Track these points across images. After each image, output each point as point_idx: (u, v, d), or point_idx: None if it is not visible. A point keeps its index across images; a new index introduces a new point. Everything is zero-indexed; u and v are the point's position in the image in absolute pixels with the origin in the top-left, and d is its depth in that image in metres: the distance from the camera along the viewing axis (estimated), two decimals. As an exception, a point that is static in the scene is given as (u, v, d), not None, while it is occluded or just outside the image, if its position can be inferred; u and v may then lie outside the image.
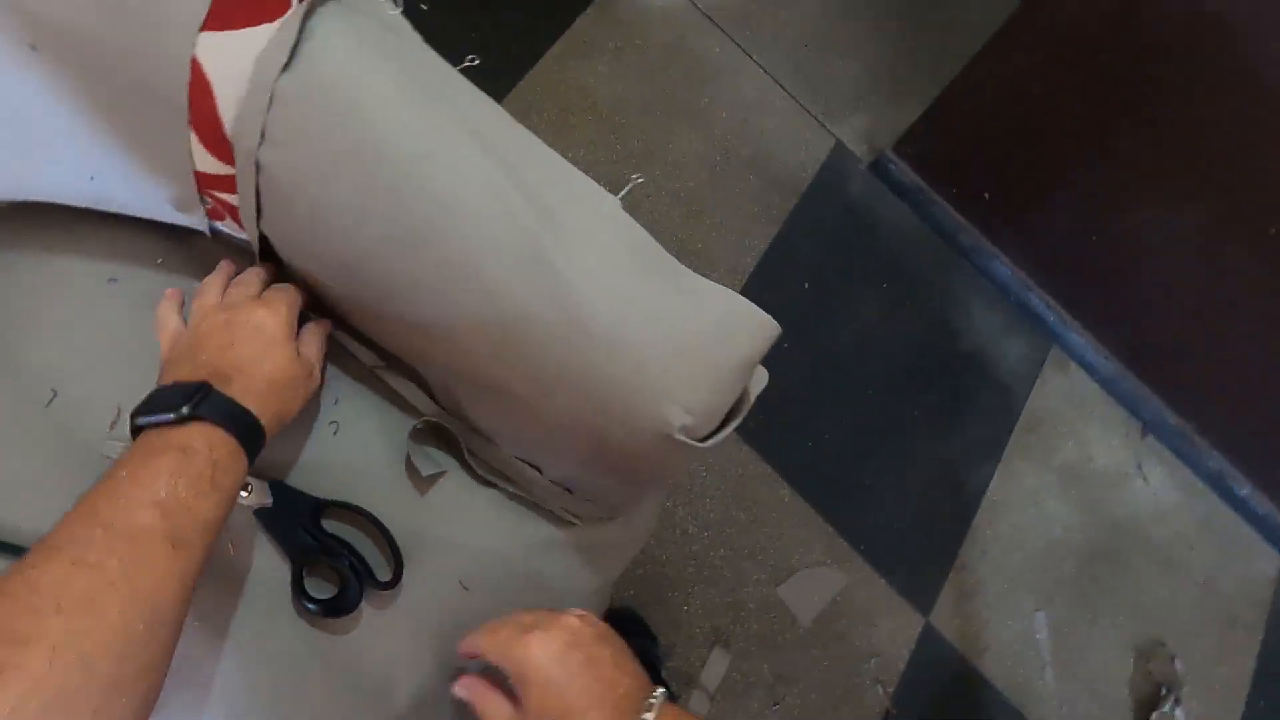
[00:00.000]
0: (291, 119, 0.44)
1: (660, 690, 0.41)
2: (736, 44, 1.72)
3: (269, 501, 0.49)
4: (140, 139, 0.47)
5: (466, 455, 0.53)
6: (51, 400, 0.50)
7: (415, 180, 0.44)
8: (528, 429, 0.51)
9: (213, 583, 0.48)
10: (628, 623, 1.30)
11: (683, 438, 0.48)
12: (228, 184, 0.48)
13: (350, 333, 0.55)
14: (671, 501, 1.39)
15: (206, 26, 0.42)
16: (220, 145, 0.47)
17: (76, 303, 0.53)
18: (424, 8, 1.58)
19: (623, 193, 0.53)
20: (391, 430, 0.53)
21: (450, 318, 0.46)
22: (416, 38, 0.49)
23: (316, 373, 0.50)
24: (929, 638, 1.42)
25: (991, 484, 1.54)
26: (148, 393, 0.43)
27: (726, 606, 1.36)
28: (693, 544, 1.38)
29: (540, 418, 0.49)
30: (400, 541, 0.51)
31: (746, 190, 1.61)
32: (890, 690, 1.38)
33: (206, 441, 0.40)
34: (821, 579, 1.41)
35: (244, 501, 0.49)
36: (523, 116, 1.48)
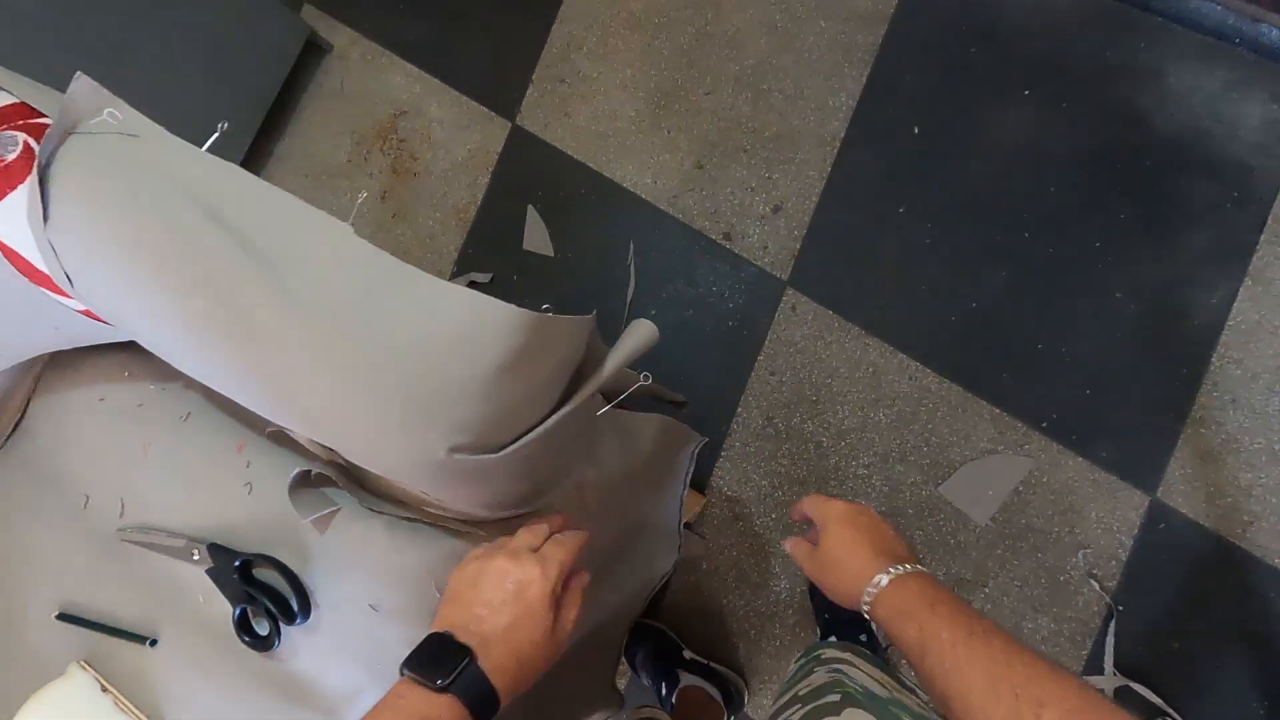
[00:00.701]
0: (70, 260, 0.50)
1: (918, 563, 0.51)
2: None
3: (210, 561, 0.59)
4: (33, 302, 0.58)
5: (350, 491, 0.57)
6: (86, 503, 0.65)
7: (156, 262, 0.48)
8: (371, 461, 0.53)
9: (194, 627, 0.60)
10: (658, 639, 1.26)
11: (464, 456, 0.46)
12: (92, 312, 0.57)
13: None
14: (797, 416, 1.30)
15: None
16: (61, 289, 0.55)
17: (86, 421, 0.67)
18: None
19: (352, 214, 0.50)
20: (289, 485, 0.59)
21: (225, 376, 0.50)
22: (151, 127, 0.51)
23: (568, 639, 0.50)
24: (1159, 517, 1.14)
25: (1235, 306, 1.14)
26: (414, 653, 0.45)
27: (881, 517, 1.24)
28: (828, 457, 1.28)
29: (369, 453, 0.51)
30: (312, 579, 0.57)
31: (819, 41, 1.36)
32: (1110, 585, 1.15)
33: (451, 716, 0.42)
34: (994, 469, 1.21)
35: (196, 563, 0.59)
36: (564, 56, 1.46)
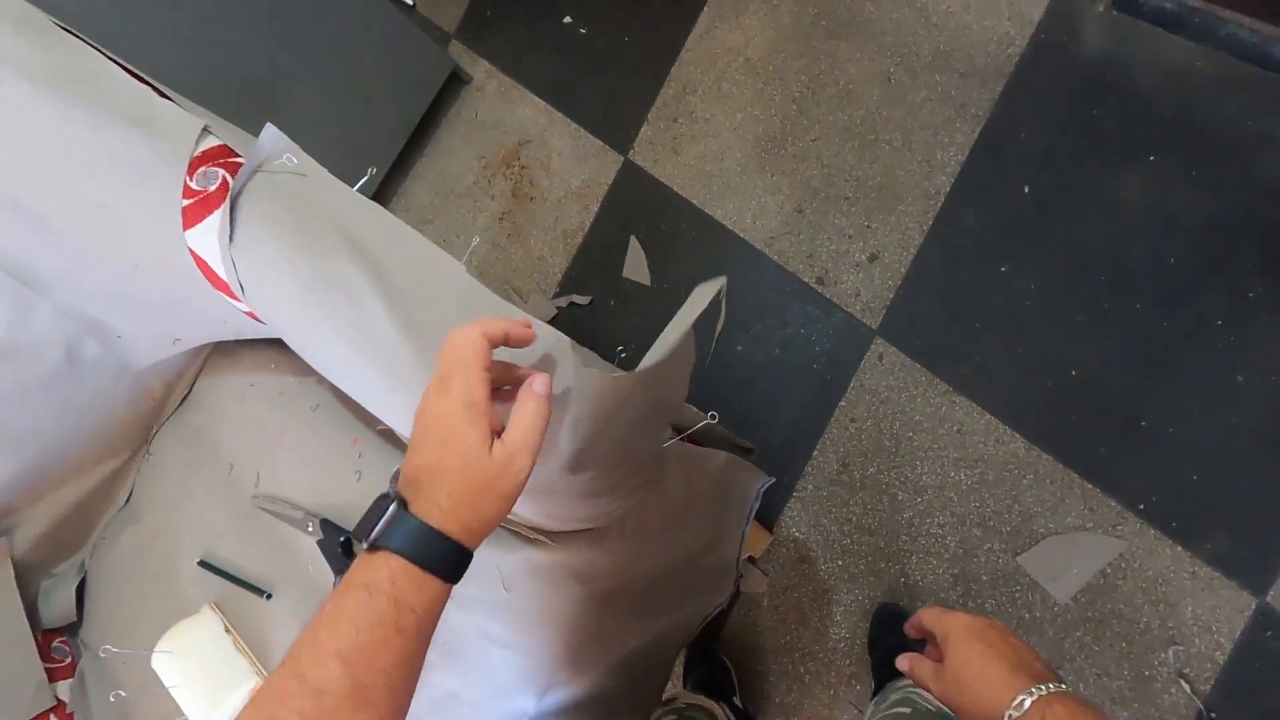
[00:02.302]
0: (244, 273, 0.61)
1: (1060, 682, 0.48)
2: (902, -75, 1.44)
3: (321, 535, 0.68)
4: (209, 302, 0.71)
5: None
6: (230, 471, 0.78)
7: (308, 283, 0.58)
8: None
9: (303, 589, 0.70)
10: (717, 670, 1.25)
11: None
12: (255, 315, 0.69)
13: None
14: (874, 467, 1.29)
15: (185, 229, 0.62)
16: (236, 295, 0.67)
17: (237, 403, 0.80)
18: (583, 32, 1.72)
19: (465, 255, 0.58)
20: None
21: (367, 387, 0.59)
22: (318, 170, 0.62)
23: (522, 459, 0.41)
24: (1268, 623, 1.05)
25: (1377, 407, 1.04)
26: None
27: (953, 579, 1.22)
28: (903, 511, 1.27)
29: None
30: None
31: (932, 95, 1.36)
32: (1203, 689, 1.07)
33: (389, 576, 0.38)
34: (1082, 547, 1.15)
35: (311, 535, 0.69)
36: (680, 97, 1.55)
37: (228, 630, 0.71)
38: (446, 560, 0.40)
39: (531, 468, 0.42)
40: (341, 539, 0.63)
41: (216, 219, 0.61)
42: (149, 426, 0.86)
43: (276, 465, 0.75)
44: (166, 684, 0.69)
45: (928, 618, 0.56)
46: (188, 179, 0.61)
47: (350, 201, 0.61)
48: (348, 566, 0.41)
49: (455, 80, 1.81)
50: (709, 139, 1.54)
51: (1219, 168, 1.16)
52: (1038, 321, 1.23)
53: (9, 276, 0.71)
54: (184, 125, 0.62)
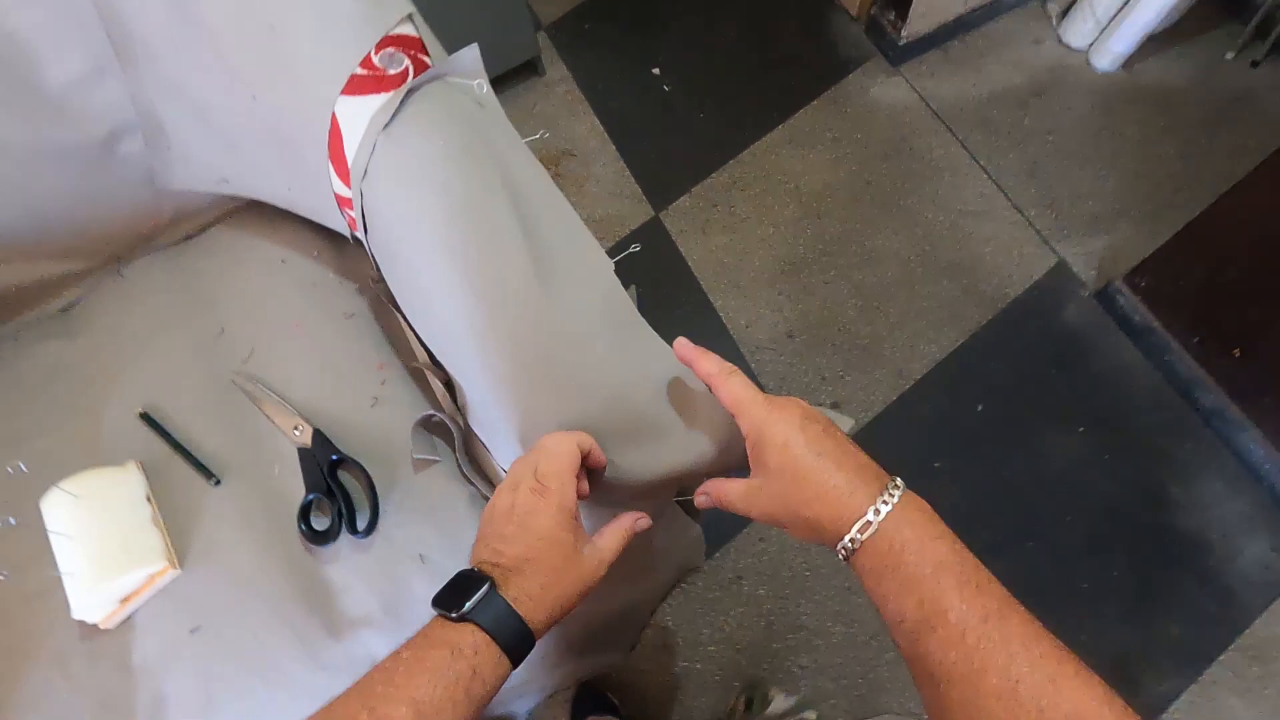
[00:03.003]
0: (380, 163, 0.59)
1: (897, 478, 0.42)
2: (965, 148, 1.65)
3: (309, 444, 0.63)
4: (307, 166, 0.66)
5: (458, 454, 0.63)
6: (220, 334, 0.70)
7: (448, 221, 0.56)
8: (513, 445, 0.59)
9: (258, 490, 0.64)
10: (596, 700, 1.26)
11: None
12: (351, 204, 0.65)
13: (414, 330, 0.69)
14: (764, 589, 1.34)
15: (344, 93, 0.59)
16: (347, 176, 0.63)
17: (258, 271, 0.74)
18: (666, 89, 1.79)
19: (619, 256, 0.59)
20: (413, 419, 0.65)
21: (464, 330, 0.57)
22: (498, 110, 0.61)
23: (605, 566, 0.46)
24: None
25: (1175, 704, 1.22)
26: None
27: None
28: (773, 640, 1.31)
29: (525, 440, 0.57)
30: (386, 506, 0.61)
31: (937, 295, 1.52)
32: None
33: (473, 645, 0.41)
34: (912, 733, 1.24)
35: (294, 439, 0.64)
36: (728, 187, 1.62)
37: (149, 500, 0.63)
38: (522, 645, 0.42)
39: (604, 575, 0.46)
40: (335, 457, 0.59)
41: (381, 101, 0.59)
42: (133, 247, 0.77)
43: (278, 351, 0.69)
44: (51, 529, 0.59)
45: (726, 395, 0.46)
46: (372, 51, 0.59)
47: (522, 153, 0.60)
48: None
49: (529, 68, 1.81)
50: (738, 235, 1.62)
51: (1126, 461, 1.36)
52: (948, 523, 1.35)
53: (104, 32, 0.63)
54: (395, 1, 0.60)
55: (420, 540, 0.61)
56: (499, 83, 1.76)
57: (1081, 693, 0.35)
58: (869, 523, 0.40)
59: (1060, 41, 1.71)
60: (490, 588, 0.42)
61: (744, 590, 1.35)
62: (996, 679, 0.35)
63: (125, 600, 0.61)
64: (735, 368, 0.47)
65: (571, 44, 1.87)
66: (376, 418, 0.65)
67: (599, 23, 1.90)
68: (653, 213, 1.67)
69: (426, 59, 0.62)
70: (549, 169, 1.75)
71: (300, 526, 0.61)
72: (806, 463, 0.42)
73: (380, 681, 0.39)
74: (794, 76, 1.75)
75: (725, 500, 0.47)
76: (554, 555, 0.44)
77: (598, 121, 1.78)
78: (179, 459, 0.65)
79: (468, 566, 0.45)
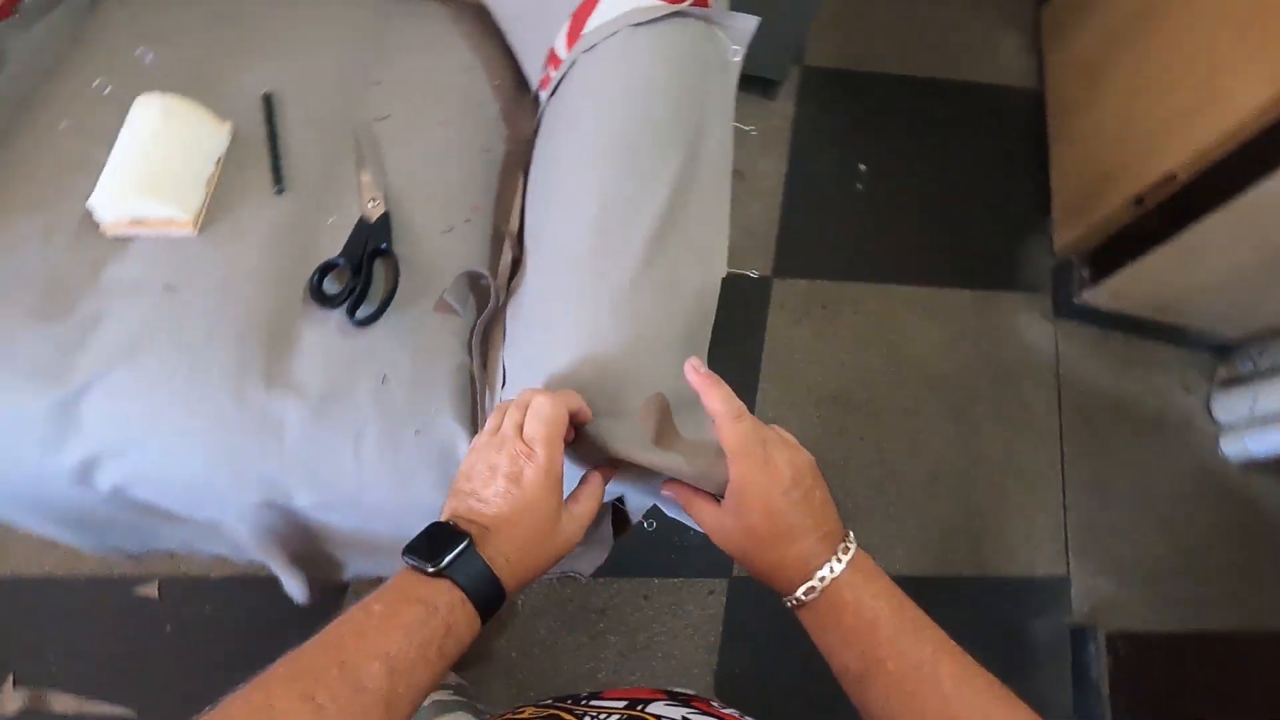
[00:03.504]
0: (607, 51, 0.59)
1: (851, 535, 0.45)
2: (1061, 424, 1.61)
3: (371, 220, 0.63)
4: (549, 6, 0.66)
5: (478, 323, 0.62)
6: (376, 85, 0.71)
7: (622, 141, 0.56)
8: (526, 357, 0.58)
9: (300, 225, 0.64)
10: None
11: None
12: (556, 65, 0.66)
13: (523, 205, 0.68)
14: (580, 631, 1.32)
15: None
16: (573, 39, 0.64)
17: (443, 60, 0.74)
18: (859, 186, 1.79)
19: (733, 271, 0.58)
20: (469, 267, 0.64)
21: (565, 235, 0.57)
22: (732, 82, 0.61)
23: (578, 532, 0.47)
24: None
25: None
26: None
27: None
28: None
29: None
30: (390, 316, 0.61)
31: (943, 519, 1.48)
32: None
33: (449, 604, 0.40)
34: None
35: (365, 209, 0.64)
36: (840, 301, 1.61)
37: (218, 163, 0.63)
38: (493, 605, 0.43)
39: (580, 539, 0.47)
40: (384, 245, 0.58)
41: (650, 1, 0.59)
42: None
43: (408, 131, 0.70)
44: (129, 122, 0.60)
45: (729, 438, 0.45)
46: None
47: (722, 129, 0.60)
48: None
49: (765, 85, 1.82)
50: (822, 345, 1.60)
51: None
52: None
53: None
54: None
55: (394, 366, 0.61)
56: (732, 77, 1.78)
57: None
58: (813, 587, 0.44)
59: (1206, 401, 1.67)
60: (469, 545, 0.42)
61: (598, 627, 1.32)
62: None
63: (135, 223, 0.61)
64: (744, 409, 0.46)
65: (813, 94, 1.88)
66: (440, 243, 0.65)
67: (847, 97, 1.90)
68: (769, 275, 1.66)
69: (708, 2, 0.62)
70: None
71: (313, 278, 0.61)
72: (779, 527, 0.44)
73: (351, 635, 0.38)
74: (967, 255, 1.73)
75: (694, 513, 0.49)
76: (535, 519, 0.44)
77: (784, 169, 1.78)
78: (264, 152, 0.65)
79: (442, 520, 0.44)
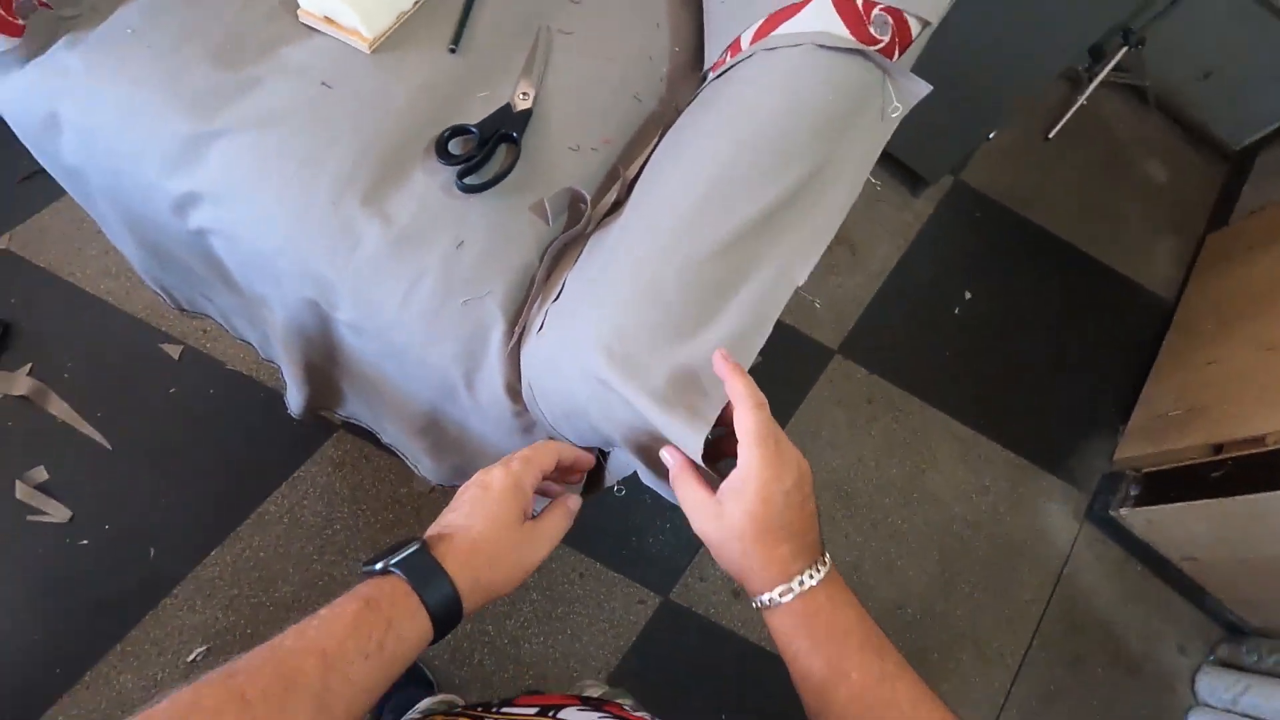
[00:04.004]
0: (786, 59, 0.62)
1: (827, 553, 0.47)
2: (1039, 629, 1.56)
3: (515, 110, 0.68)
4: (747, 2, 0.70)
5: (559, 238, 0.66)
6: None
7: (761, 137, 0.59)
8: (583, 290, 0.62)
9: (455, 86, 0.69)
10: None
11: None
12: (735, 52, 0.69)
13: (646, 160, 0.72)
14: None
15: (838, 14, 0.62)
16: (760, 35, 0.67)
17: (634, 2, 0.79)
18: (955, 310, 1.77)
19: (801, 292, 0.60)
20: (577, 187, 0.68)
21: (671, 198, 0.60)
22: (883, 134, 0.63)
23: (542, 546, 0.48)
24: None
25: None
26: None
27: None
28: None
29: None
30: (488, 197, 0.66)
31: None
32: None
33: (390, 596, 0.40)
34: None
35: (516, 99, 0.68)
36: (889, 403, 1.62)
37: (416, 3, 0.69)
38: (443, 604, 0.42)
39: (545, 557, 0.48)
40: (514, 134, 0.62)
41: (839, 30, 0.62)
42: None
43: (583, 51, 0.74)
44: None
45: (744, 424, 0.46)
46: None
47: (854, 172, 0.62)
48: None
49: (915, 179, 1.83)
50: (853, 435, 1.59)
51: None
52: None
53: None
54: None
55: (473, 237, 0.65)
56: (886, 154, 1.79)
57: None
58: (789, 589, 0.44)
59: (1195, 671, 1.59)
60: (420, 546, 0.43)
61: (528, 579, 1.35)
62: None
63: (325, 20, 0.68)
64: (765, 401, 0.48)
65: (954, 207, 1.88)
66: (563, 156, 0.69)
67: (985, 225, 1.89)
68: (834, 348, 1.66)
69: (896, 54, 0.64)
70: None
71: (444, 133, 0.66)
72: (772, 523, 0.45)
73: (292, 635, 0.38)
74: (1028, 420, 1.70)
75: (682, 489, 0.49)
76: (495, 525, 0.45)
77: (895, 262, 1.78)
78: (458, 12, 0.71)
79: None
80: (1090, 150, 2.05)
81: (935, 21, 0.64)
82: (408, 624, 0.40)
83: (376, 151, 0.65)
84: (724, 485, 0.47)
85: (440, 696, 0.88)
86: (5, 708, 1.12)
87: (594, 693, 0.92)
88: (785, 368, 1.61)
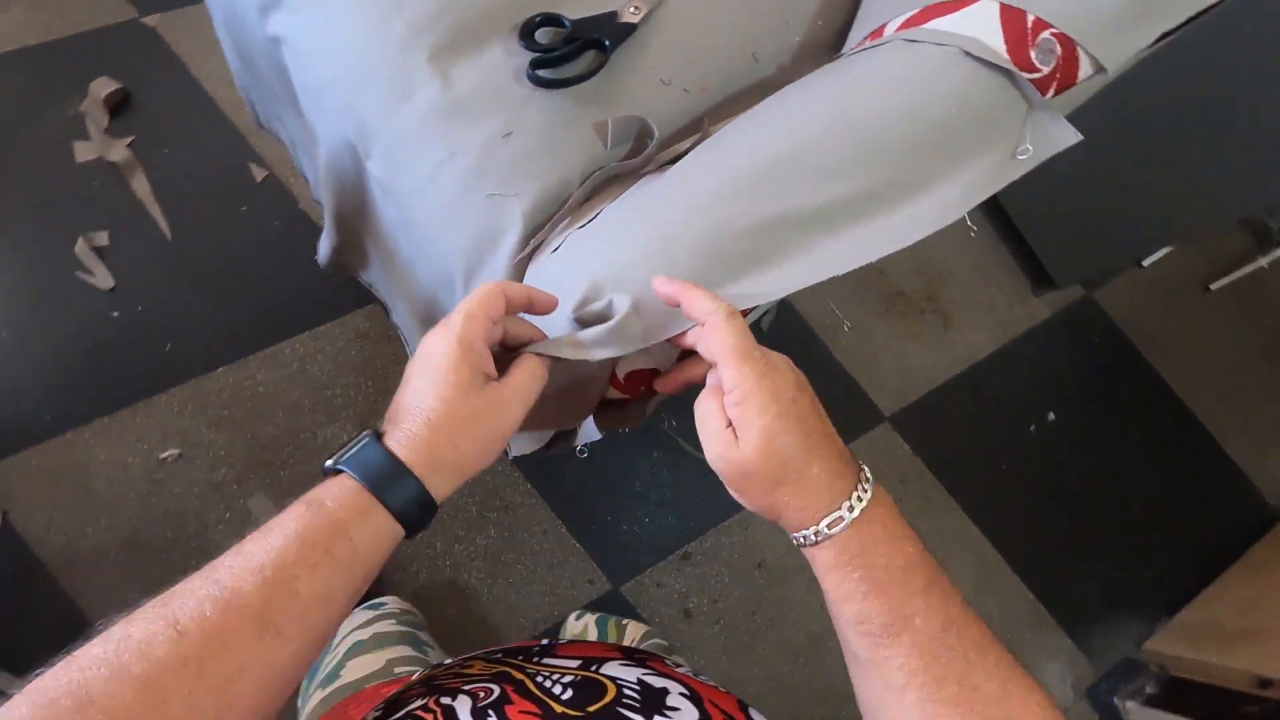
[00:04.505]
0: (926, 55, 0.54)
1: (865, 469, 0.41)
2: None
3: (619, 21, 0.62)
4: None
5: (614, 161, 0.61)
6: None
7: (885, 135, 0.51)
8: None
9: None
10: None
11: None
12: (876, 36, 0.61)
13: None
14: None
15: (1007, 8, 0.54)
16: (907, 25, 0.59)
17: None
18: (1031, 426, 1.61)
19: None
20: (656, 119, 0.62)
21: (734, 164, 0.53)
22: (1004, 174, 0.54)
23: (514, 407, 0.41)
24: None
25: None
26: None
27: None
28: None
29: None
30: (557, 93, 0.61)
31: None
32: None
33: (336, 495, 0.36)
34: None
35: (626, 11, 0.63)
36: (928, 496, 1.47)
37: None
38: (401, 493, 0.37)
39: (521, 419, 0.42)
40: (605, 43, 0.57)
41: (996, 46, 0.53)
42: None
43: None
44: None
45: (719, 340, 0.40)
46: (1046, 26, 0.53)
47: (946, 199, 0.53)
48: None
49: (1044, 279, 1.67)
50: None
51: None
52: None
53: None
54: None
55: (522, 133, 0.60)
56: (1019, 237, 1.64)
57: (1028, 699, 0.36)
58: (840, 518, 0.38)
59: None
60: (370, 437, 0.38)
61: (491, 515, 1.32)
62: (955, 687, 0.36)
63: None
64: (737, 310, 0.41)
65: (1072, 323, 1.71)
66: (649, 86, 0.63)
67: (1099, 352, 1.71)
68: (885, 414, 1.55)
69: (1051, 91, 0.55)
70: (920, 279, 1.62)
71: (535, 17, 0.61)
72: (790, 444, 0.39)
73: (229, 555, 0.34)
74: (1063, 568, 1.53)
75: (703, 410, 0.41)
76: (440, 388, 0.39)
77: (984, 355, 1.64)
78: None
79: None
80: (1254, 322, 1.82)
81: (1111, 72, 0.54)
82: (360, 523, 0.36)
83: (461, 12, 0.61)
84: (729, 412, 0.40)
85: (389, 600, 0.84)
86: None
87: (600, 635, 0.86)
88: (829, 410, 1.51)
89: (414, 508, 0.38)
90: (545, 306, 0.46)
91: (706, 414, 0.42)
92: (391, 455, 0.37)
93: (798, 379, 0.41)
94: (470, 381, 0.39)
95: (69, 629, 1.14)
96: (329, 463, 0.38)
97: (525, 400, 0.42)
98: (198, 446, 1.24)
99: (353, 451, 0.38)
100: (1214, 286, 1.80)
